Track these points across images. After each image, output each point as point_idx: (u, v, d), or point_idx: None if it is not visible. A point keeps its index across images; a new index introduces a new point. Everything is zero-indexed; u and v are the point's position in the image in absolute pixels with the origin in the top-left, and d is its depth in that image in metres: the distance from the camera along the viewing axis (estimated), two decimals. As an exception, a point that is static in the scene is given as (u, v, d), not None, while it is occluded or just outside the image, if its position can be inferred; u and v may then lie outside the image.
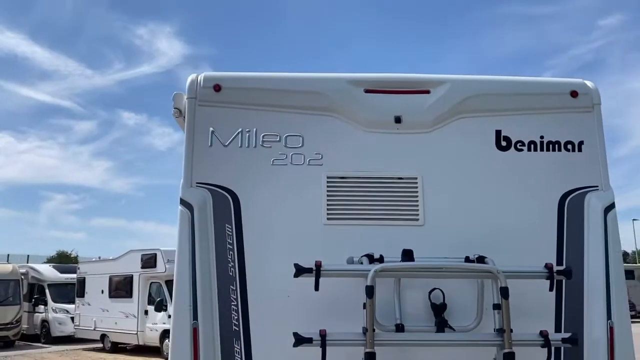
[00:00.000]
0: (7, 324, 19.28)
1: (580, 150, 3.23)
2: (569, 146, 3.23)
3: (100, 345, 17.95)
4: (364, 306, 2.69)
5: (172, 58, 74.87)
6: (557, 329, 2.95)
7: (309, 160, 3.12)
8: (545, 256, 2.98)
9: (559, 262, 3.04)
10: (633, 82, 73.44)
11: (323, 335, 2.66)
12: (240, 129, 3.15)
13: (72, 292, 20.65)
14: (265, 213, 3.06)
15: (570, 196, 3.17)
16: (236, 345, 2.87)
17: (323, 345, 2.65)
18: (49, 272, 22.28)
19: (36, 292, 21.73)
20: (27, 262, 27.38)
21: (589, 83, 3.35)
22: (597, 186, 3.19)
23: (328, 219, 3.06)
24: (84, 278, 19.13)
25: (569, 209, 3.14)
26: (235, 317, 2.90)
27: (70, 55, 73.78)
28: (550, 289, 2.81)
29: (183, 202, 3.01)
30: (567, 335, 2.80)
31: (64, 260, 38.89)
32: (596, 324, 2.96)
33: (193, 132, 3.15)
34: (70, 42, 70.26)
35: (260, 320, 2.89)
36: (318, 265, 2.75)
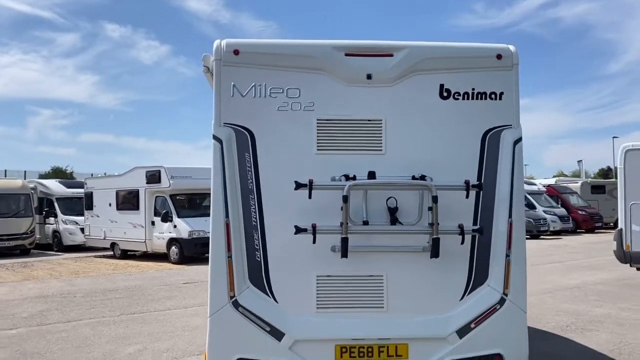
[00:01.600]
0: (23, 233, 20.99)
1: (500, 99, 4.41)
2: (493, 96, 4.41)
3: (111, 253, 19.72)
4: (342, 209, 4.01)
5: (155, -37, 71.37)
6: (474, 224, 4.31)
7: (304, 107, 4.29)
8: (469, 175, 4.25)
9: (479, 179, 4.33)
10: (633, -7, 71.96)
11: (314, 227, 4.01)
12: (253, 83, 4.29)
13: (79, 205, 22.19)
14: (273, 145, 4.27)
15: (491, 132, 4.39)
16: (255, 234, 4.20)
17: (314, 233, 4.00)
18: (56, 187, 23.69)
19: (45, 205, 23.24)
20: (25, 178, 28.59)
21: (511, 47, 4.47)
22: (510, 125, 4.40)
23: (318, 149, 4.28)
24: (92, 192, 20.56)
25: (489, 142, 4.38)
26: (254, 216, 4.21)
27: (47, -40, 70.50)
28: (467, 197, 4.14)
29: (215, 137, 4.21)
30: (476, 227, 4.18)
31: (59, 176, 40.00)
32: (501, 220, 4.30)
33: (219, 85, 4.27)
34: (46, -54, 66.53)
35: (272, 218, 4.19)
36: (311, 181, 4.03)
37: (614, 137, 50.29)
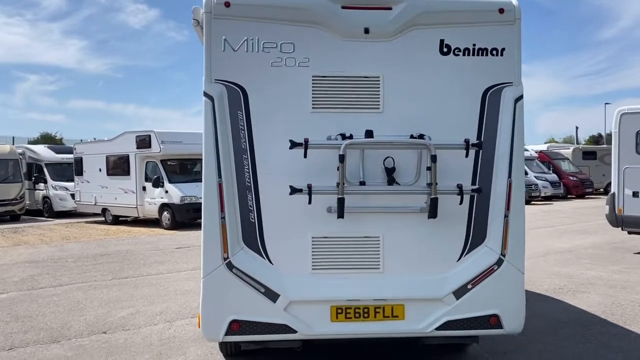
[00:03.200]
0: (12, 199, 20.78)
1: (502, 55, 4.26)
2: (494, 52, 4.26)
3: (102, 218, 19.60)
4: (338, 169, 3.89)
5: None
6: (473, 184, 4.21)
7: (299, 62, 4.11)
8: (469, 134, 4.14)
9: (479, 138, 4.22)
10: (627, -43, 70.81)
11: (310, 187, 3.90)
12: (246, 38, 4.10)
13: (68, 171, 21.93)
14: (266, 103, 4.11)
15: (492, 90, 4.25)
16: (249, 195, 4.09)
17: (309, 194, 3.89)
18: (45, 153, 23.37)
19: (34, 171, 22.96)
20: (13, 144, 28.21)
21: (513, 1, 4.30)
22: (512, 82, 4.26)
23: (313, 108, 4.13)
24: (81, 158, 20.30)
25: (490, 99, 4.25)
26: (247, 176, 4.09)
27: None
28: (466, 156, 4.04)
29: (206, 94, 4.04)
30: (475, 187, 4.08)
31: (48, 143, 39.63)
32: (500, 180, 4.20)
33: (210, 39, 4.08)
34: None
35: (266, 178, 4.07)
36: (306, 140, 3.90)
37: (606, 103, 50.37)
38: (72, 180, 21.09)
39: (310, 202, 3.92)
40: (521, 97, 4.26)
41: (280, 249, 4.11)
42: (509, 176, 4.20)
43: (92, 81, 75.04)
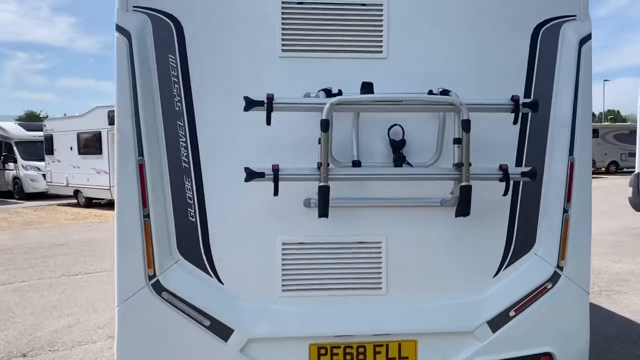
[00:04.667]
0: (-22, 180, 19.28)
1: (561, -25, 2.92)
2: (550, -30, 2.91)
3: (75, 200, 18.20)
4: (320, 141, 2.54)
5: None
6: (518, 164, 2.89)
7: (261, -19, 2.75)
8: (513, 90, 2.79)
9: (527, 96, 2.88)
10: None
11: (275, 169, 2.54)
12: None
13: (41, 149, 20.45)
14: (212, 43, 2.75)
15: (545, 26, 2.91)
16: (186, 182, 2.74)
17: (276, 180, 2.53)
18: (15, 130, 21.84)
19: (4, 150, 21.45)
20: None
21: None
22: (575, 16, 2.92)
23: (283, 50, 2.77)
24: (52, 135, 18.82)
25: (542, 41, 2.90)
26: (184, 153, 2.74)
27: None
28: (515, 122, 2.68)
29: (119, 28, 2.67)
30: (527, 169, 2.73)
31: (33, 120, 38.25)
32: (557, 159, 2.89)
33: (125, -55, 2.70)
34: None
35: (211, 156, 2.73)
36: (270, 98, 2.54)
37: (605, 80, 49.16)
38: (44, 160, 19.62)
39: (276, 193, 2.56)
40: (589, 37, 2.91)
41: (234, 261, 2.78)
42: (571, 153, 2.88)
43: (83, 59, 73.14)
